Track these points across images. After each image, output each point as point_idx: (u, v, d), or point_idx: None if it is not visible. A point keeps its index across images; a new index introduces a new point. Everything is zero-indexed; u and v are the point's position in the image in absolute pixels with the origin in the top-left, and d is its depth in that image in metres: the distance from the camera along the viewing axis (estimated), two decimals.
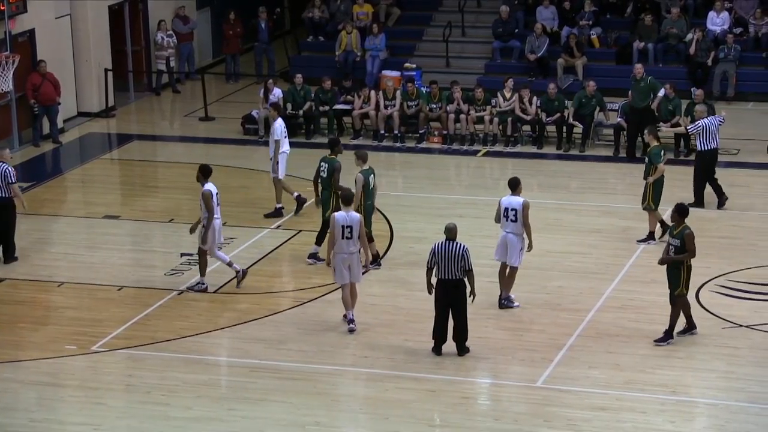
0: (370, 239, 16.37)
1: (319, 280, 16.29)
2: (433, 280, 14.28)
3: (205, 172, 16.07)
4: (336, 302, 15.30)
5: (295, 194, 18.84)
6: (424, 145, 22.87)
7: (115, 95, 25.41)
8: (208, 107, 24.91)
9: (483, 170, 21.93)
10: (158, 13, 26.90)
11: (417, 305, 15.31)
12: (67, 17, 24.18)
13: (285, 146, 18.75)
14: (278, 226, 18.69)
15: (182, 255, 17.48)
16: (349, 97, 23.56)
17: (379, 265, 16.76)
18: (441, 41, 26.53)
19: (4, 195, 17.18)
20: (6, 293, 16.49)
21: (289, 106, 23.26)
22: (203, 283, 16.26)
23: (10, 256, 17.34)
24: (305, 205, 18.75)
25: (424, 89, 23.39)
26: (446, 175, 21.67)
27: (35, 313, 15.89)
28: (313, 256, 17.03)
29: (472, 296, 14.34)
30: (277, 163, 18.63)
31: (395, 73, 24.57)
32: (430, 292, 14.32)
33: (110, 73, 24.94)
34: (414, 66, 25.18)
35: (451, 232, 14.26)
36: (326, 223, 16.23)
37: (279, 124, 18.72)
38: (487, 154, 22.42)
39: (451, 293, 14.17)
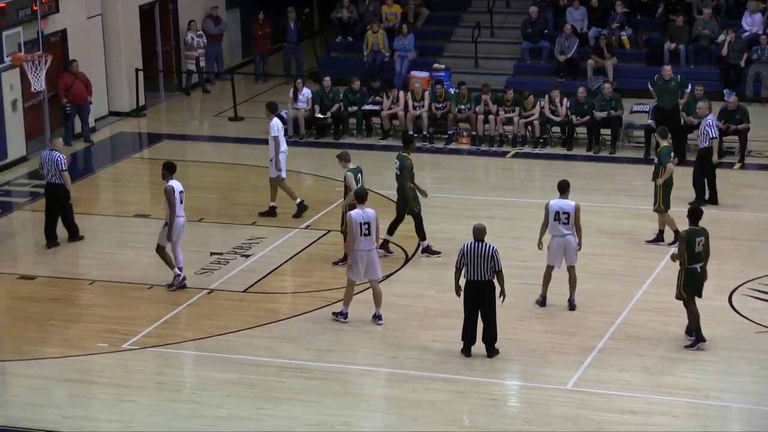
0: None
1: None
2: (462, 282, 14.27)
3: (169, 169, 16.22)
4: (365, 302, 15.31)
5: (298, 200, 18.80)
6: (452, 146, 22.83)
7: (146, 95, 25.50)
8: (237, 107, 24.97)
9: (512, 171, 21.87)
10: (188, 13, 26.99)
11: (446, 306, 15.28)
12: (98, 17, 24.28)
13: (283, 146, 18.75)
14: (307, 226, 18.70)
15: (212, 254, 17.54)
16: (377, 97, 23.55)
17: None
18: (470, 42, 26.46)
19: (58, 181, 17.62)
20: (38, 291, 16.60)
21: (317, 108, 23.32)
22: (179, 275, 16.21)
23: (74, 236, 17.91)
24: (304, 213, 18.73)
25: (452, 90, 23.35)
26: (475, 176, 21.62)
27: (67, 311, 15.98)
28: (427, 249, 17.22)
29: (502, 297, 14.31)
30: (279, 163, 18.63)
31: (424, 74, 24.51)
32: (458, 294, 14.29)
33: (141, 73, 25.04)
34: (443, 67, 25.10)
35: (479, 233, 14.24)
36: (417, 218, 17.12)
37: (275, 123, 18.71)
38: (516, 155, 22.36)
39: (480, 294, 14.14)
